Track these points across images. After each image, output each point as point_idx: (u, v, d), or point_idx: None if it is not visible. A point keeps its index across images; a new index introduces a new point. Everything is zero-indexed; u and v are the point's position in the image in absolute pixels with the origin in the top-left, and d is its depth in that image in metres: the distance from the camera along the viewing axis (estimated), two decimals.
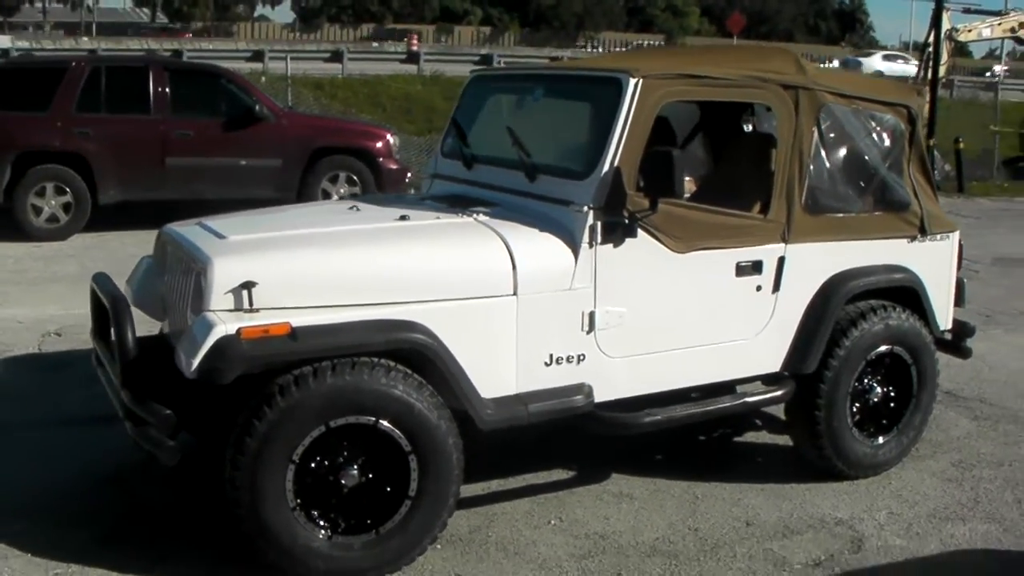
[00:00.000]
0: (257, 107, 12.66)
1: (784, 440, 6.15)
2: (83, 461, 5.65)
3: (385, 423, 4.25)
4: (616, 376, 4.92)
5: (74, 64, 12.50)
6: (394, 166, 13.44)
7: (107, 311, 4.90)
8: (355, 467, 4.32)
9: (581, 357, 4.81)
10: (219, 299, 4.20)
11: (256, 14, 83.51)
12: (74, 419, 6.25)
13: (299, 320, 4.16)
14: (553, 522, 5.11)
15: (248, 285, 4.18)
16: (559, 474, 5.71)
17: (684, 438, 6.15)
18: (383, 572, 4.41)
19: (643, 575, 4.66)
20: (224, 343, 4.02)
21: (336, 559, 4.29)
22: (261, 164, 12.74)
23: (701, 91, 5.15)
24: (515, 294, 4.62)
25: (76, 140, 12.00)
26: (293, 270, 4.34)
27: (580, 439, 5.63)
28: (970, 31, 22.00)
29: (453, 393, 4.43)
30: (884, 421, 5.86)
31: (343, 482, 4.30)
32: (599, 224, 4.72)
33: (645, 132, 4.80)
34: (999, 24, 22.54)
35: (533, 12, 79.08)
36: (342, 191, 13.15)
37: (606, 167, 4.72)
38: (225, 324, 4.06)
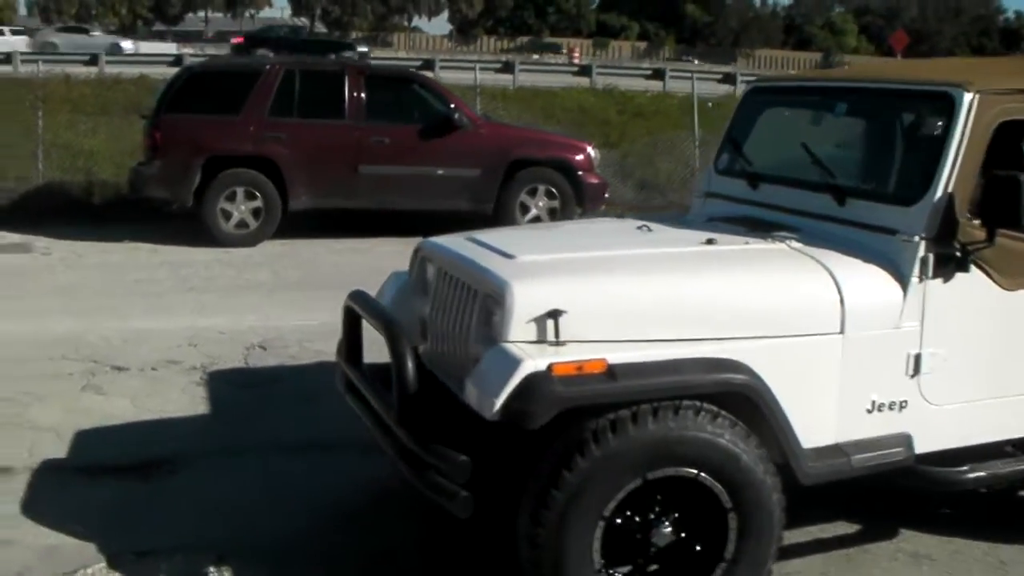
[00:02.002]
0: (456, 115, 12.33)
1: None
2: (308, 493, 5.33)
3: (707, 476, 3.77)
4: (937, 425, 4.38)
5: (268, 68, 12.34)
6: (595, 180, 13.00)
7: (358, 332, 4.64)
8: (667, 525, 3.85)
9: (903, 404, 4.28)
10: (519, 329, 3.77)
11: (412, 25, 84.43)
12: (292, 444, 5.96)
13: (612, 356, 3.70)
14: None
15: (555, 314, 3.74)
16: (843, 527, 5.16)
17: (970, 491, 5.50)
18: None
19: None
20: (534, 381, 3.58)
21: None
22: (458, 174, 12.42)
23: None
24: (842, 332, 4.11)
25: (268, 144, 11.83)
26: (604, 298, 3.90)
27: (854, 485, 5.07)
28: None
29: (775, 443, 3.94)
30: None
31: (653, 541, 3.84)
32: (931, 256, 4.17)
33: (979, 154, 4.25)
34: None
35: (689, 28, 78.18)
36: (541, 204, 12.76)
37: (938, 193, 4.18)
38: (534, 359, 3.62)
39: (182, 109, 11.90)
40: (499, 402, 3.57)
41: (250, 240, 11.86)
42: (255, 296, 9.59)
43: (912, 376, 4.28)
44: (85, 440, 5.97)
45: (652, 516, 3.83)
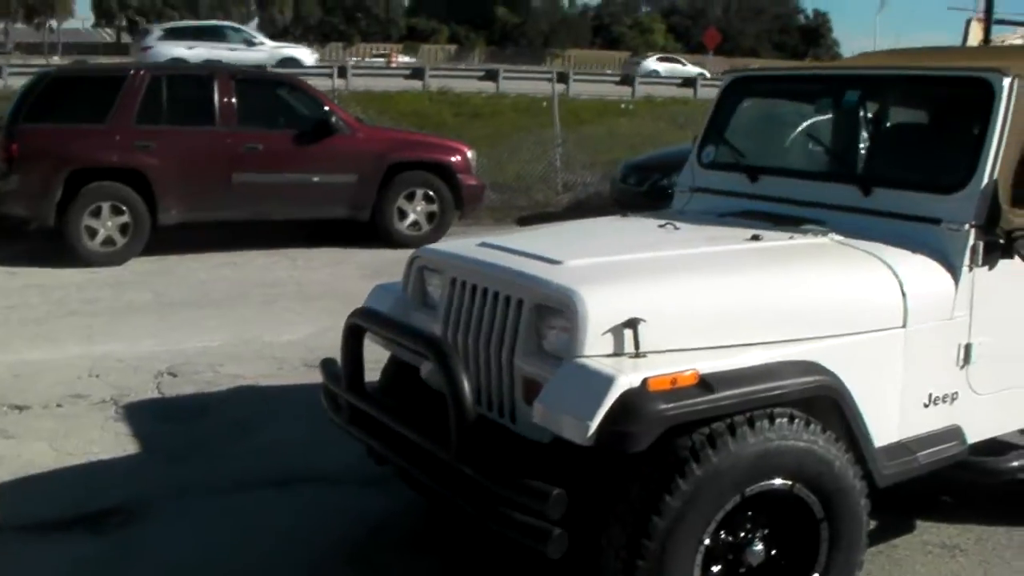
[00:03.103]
0: (332, 119, 11.83)
1: None
2: (292, 534, 4.83)
3: (801, 487, 3.53)
4: (982, 415, 4.29)
5: (133, 73, 11.47)
6: (473, 182, 12.69)
7: (361, 355, 4.21)
8: (758, 542, 3.59)
9: (955, 396, 4.17)
10: (594, 341, 3.44)
11: None
12: (252, 481, 5.42)
13: (699, 365, 3.42)
14: None
15: (633, 323, 3.43)
16: None
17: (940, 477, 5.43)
18: None
19: None
20: (632, 399, 3.25)
21: None
22: (335, 180, 11.89)
23: None
24: (904, 326, 3.95)
25: (136, 155, 11.00)
26: (680, 303, 3.62)
27: None
28: (1003, 41, 21.74)
29: (855, 446, 3.73)
30: None
31: (748, 561, 3.58)
32: (980, 244, 4.05)
33: (1019, 140, 4.14)
34: None
35: (499, 30, 78.59)
36: (419, 209, 12.41)
37: (984, 180, 4.06)
38: (627, 374, 3.30)
39: (41, 118, 10.98)
40: (594, 425, 3.22)
41: (117, 258, 11.01)
42: (143, 318, 8.90)
43: (962, 367, 4.17)
44: (11, 494, 5.30)
45: (743, 534, 3.56)
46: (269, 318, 8.86)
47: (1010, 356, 4.31)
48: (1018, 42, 21.99)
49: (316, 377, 6.94)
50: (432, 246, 4.47)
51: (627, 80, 31.79)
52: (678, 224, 4.48)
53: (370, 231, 12.32)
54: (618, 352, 3.45)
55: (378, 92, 25.67)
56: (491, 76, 29.24)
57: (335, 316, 8.67)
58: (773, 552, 3.63)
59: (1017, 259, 4.19)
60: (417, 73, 28.88)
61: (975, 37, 20.51)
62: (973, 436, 4.26)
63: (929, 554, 4.73)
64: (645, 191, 13.53)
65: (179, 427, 6.29)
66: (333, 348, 7.65)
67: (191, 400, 6.79)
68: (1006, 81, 4.13)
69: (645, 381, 3.28)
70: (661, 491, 3.31)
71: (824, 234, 4.25)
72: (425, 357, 4.02)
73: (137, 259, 11.22)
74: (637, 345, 3.43)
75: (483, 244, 4.25)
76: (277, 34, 66.22)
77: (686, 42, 76.05)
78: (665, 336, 3.49)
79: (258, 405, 6.69)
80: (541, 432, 3.59)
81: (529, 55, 71.88)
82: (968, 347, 4.15)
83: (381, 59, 48.30)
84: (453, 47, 75.85)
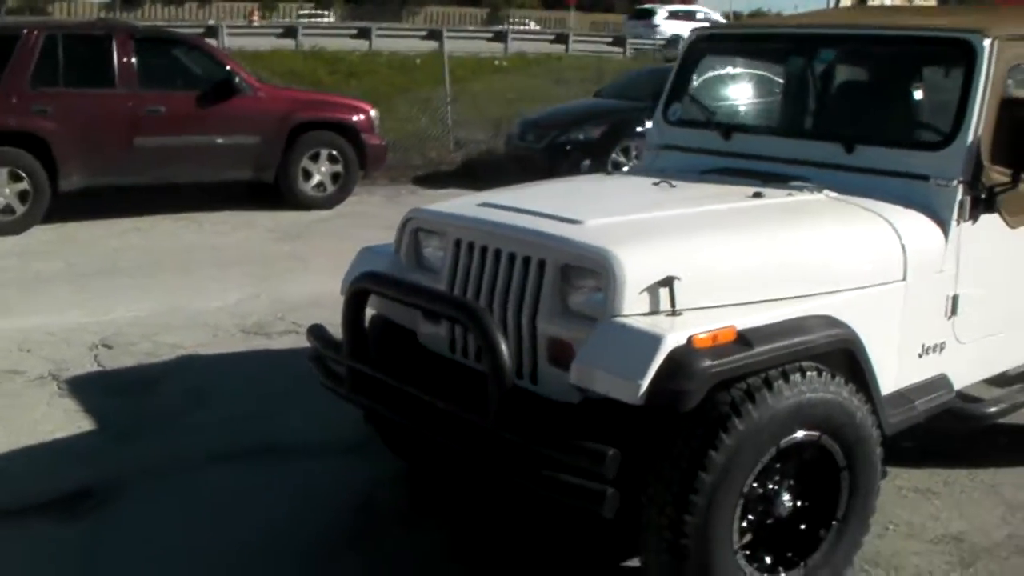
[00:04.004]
0: (235, 79, 11.54)
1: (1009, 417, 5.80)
2: (277, 510, 4.75)
3: (827, 437, 3.66)
4: (964, 363, 4.51)
5: (26, 32, 10.90)
6: (377, 142, 12.54)
7: (363, 321, 4.14)
8: (787, 492, 3.70)
9: (942, 346, 4.37)
10: (632, 301, 3.48)
11: None
12: (221, 455, 5.31)
13: (736, 322, 3.50)
14: (891, 528, 4.64)
15: (669, 281, 3.49)
16: None
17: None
18: None
19: None
20: (682, 357, 3.30)
21: None
22: (239, 142, 11.62)
23: None
24: (904, 279, 4.11)
25: (33, 119, 10.52)
26: (710, 260, 3.68)
27: None
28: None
29: (868, 396, 3.87)
30: None
31: (777, 512, 3.69)
32: (967, 200, 4.24)
33: (998, 98, 4.33)
34: None
35: None
36: (324, 169, 12.25)
37: (970, 137, 4.24)
38: (674, 332, 3.35)
39: None
40: (645, 383, 3.26)
41: (18, 227, 10.54)
42: (59, 288, 8.57)
43: (949, 318, 4.35)
44: None
45: (774, 486, 3.67)
46: (191, 285, 8.66)
47: (988, 306, 4.53)
48: (888, 1, 22.68)
49: (255, 344, 6.98)
50: (429, 207, 4.41)
51: (500, 36, 31.71)
52: (672, 182, 4.53)
53: (275, 192, 12.10)
54: (655, 311, 3.50)
55: (250, 52, 25.11)
56: (364, 34, 28.86)
57: (258, 281, 8.69)
58: (799, 502, 3.74)
59: (995, 214, 4.38)
60: (289, 32, 28.30)
61: None
62: (958, 383, 4.47)
63: (905, 498, 4.95)
64: (543, 148, 13.62)
65: (129, 401, 6.11)
66: (266, 313, 7.67)
67: (135, 372, 6.61)
68: (987, 42, 4.30)
69: (690, 339, 3.33)
70: (706, 447, 3.37)
71: (818, 191, 4.37)
72: (435, 319, 4.00)
73: (39, 227, 10.80)
74: (673, 303, 3.49)
75: (485, 204, 4.23)
76: None
77: None
78: (698, 293, 3.55)
79: (205, 375, 6.55)
80: (569, 393, 3.61)
81: (386, 12, 70.94)
82: (955, 299, 4.34)
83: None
84: (311, 4, 74.34)
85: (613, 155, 12.62)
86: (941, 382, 4.35)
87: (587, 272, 3.60)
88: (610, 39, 34.59)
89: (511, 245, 3.84)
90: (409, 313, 4.30)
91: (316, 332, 4.53)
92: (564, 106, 15.72)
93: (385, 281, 4.14)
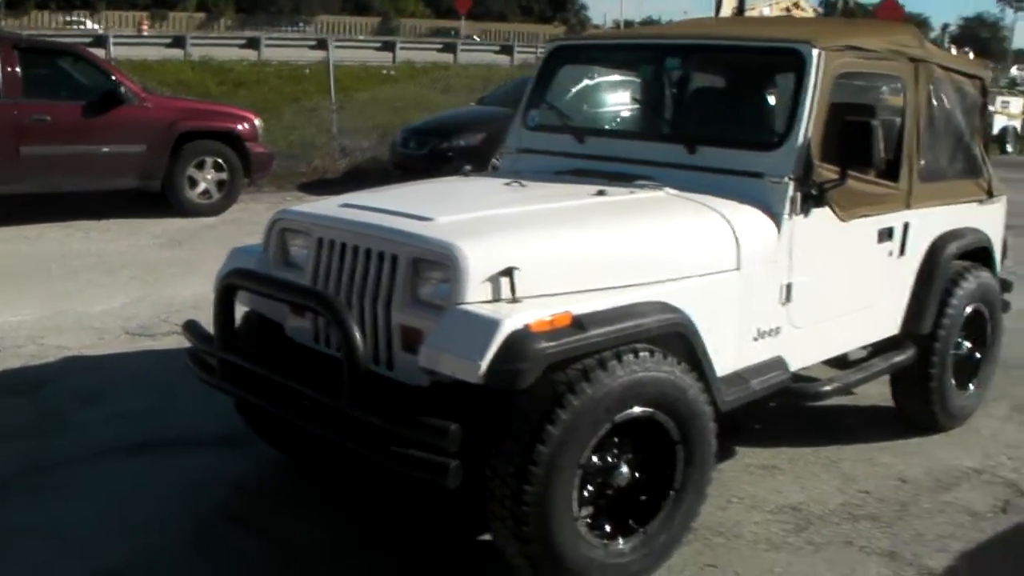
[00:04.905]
0: (121, 89, 11.57)
1: (850, 400, 6.36)
2: (174, 500, 4.88)
3: (661, 413, 3.96)
4: (800, 346, 4.85)
5: None
6: (262, 150, 12.70)
7: (232, 314, 4.39)
8: (624, 465, 4.00)
9: (777, 330, 4.70)
10: (475, 290, 3.75)
11: None
12: (118, 449, 5.42)
13: (572, 308, 3.78)
14: (735, 500, 4.97)
15: (509, 271, 3.76)
16: None
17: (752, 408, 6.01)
18: (648, 574, 4.13)
19: (869, 540, 4.64)
20: (517, 339, 3.57)
21: (610, 568, 3.96)
22: (125, 150, 11.63)
23: (859, 63, 5.04)
24: (738, 268, 4.43)
25: None
26: (549, 252, 3.95)
27: None
28: (752, 9, 23.00)
29: (702, 376, 4.18)
30: (968, 374, 6.04)
31: (615, 483, 3.98)
32: (798, 195, 4.59)
33: (826, 102, 4.70)
34: (776, 3, 23.74)
35: None
36: (209, 177, 12.35)
37: (800, 138, 4.59)
38: (511, 317, 3.63)
39: None
40: (484, 364, 3.53)
41: None
42: None
43: (784, 304, 4.69)
44: None
45: (611, 459, 3.96)
46: (77, 290, 8.70)
47: (822, 294, 4.88)
48: (766, 12, 23.39)
49: (140, 345, 7.08)
50: (295, 208, 4.65)
51: (388, 46, 31.82)
52: (523, 182, 4.81)
53: (162, 200, 12.16)
54: (496, 299, 3.77)
55: (138, 61, 24.91)
56: (252, 44, 28.81)
57: (144, 285, 8.79)
58: (637, 473, 4.03)
59: (826, 208, 4.75)
60: (178, 41, 28.10)
61: (728, 7, 21.64)
62: (793, 365, 4.82)
63: (752, 474, 5.30)
64: (425, 155, 13.85)
65: (19, 401, 6.14)
66: (151, 316, 7.78)
67: (23, 373, 6.65)
68: (815, 52, 4.68)
69: (527, 323, 3.61)
70: (543, 422, 3.65)
71: (659, 189, 4.68)
72: (304, 311, 4.24)
73: None
74: (514, 292, 3.76)
75: (346, 205, 4.47)
76: (15, 1, 62.77)
77: (436, 6, 76.19)
78: (537, 283, 3.83)
79: (93, 375, 6.63)
80: (419, 376, 3.87)
81: (280, 22, 70.54)
82: (789, 287, 4.68)
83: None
84: (203, 15, 73.52)
85: (494, 160, 12.85)
86: (777, 363, 4.68)
87: (435, 265, 3.86)
88: (497, 48, 34.92)
89: (368, 242, 4.09)
90: (277, 308, 4.53)
91: (191, 328, 4.74)
92: (446, 113, 15.97)
93: (250, 276, 4.37)
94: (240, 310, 4.59)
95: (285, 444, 5.06)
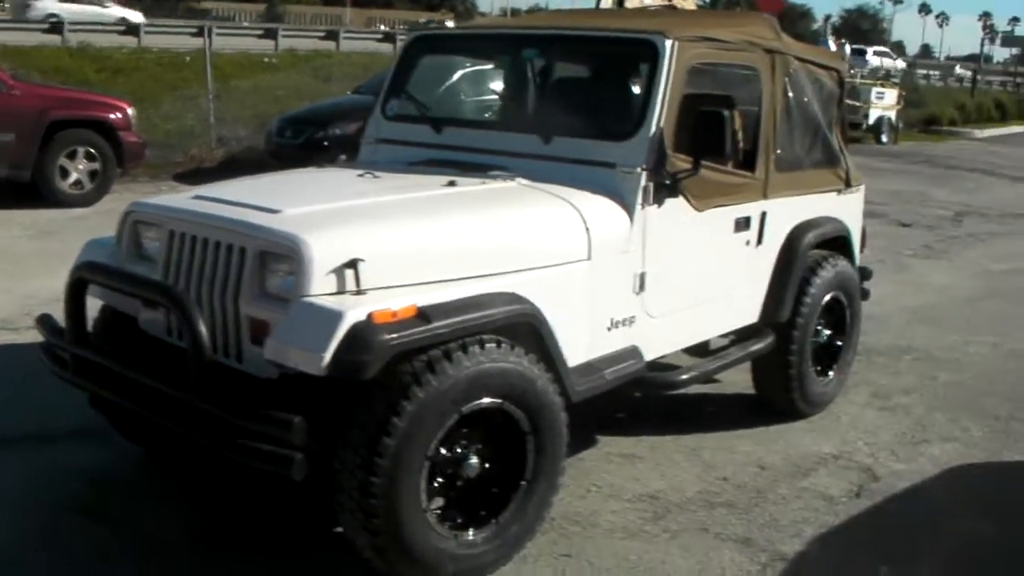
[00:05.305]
0: None
1: (715, 388, 6.46)
2: (6, 494, 4.73)
3: (510, 404, 3.95)
4: (655, 335, 4.89)
5: None
6: (135, 139, 12.42)
7: (84, 307, 4.31)
8: (474, 456, 3.98)
9: (632, 320, 4.73)
10: (319, 282, 3.70)
11: None
12: None
13: (417, 300, 3.75)
14: (593, 490, 4.99)
15: (353, 264, 3.72)
16: None
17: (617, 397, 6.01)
18: (501, 564, 4.13)
19: (725, 527, 4.69)
20: (360, 331, 3.53)
21: (462, 559, 3.95)
22: None
23: (714, 54, 5.08)
24: (589, 259, 4.44)
25: None
26: (395, 244, 3.91)
27: None
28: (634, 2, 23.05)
29: (552, 367, 4.19)
30: (828, 361, 6.16)
31: (465, 474, 3.96)
32: (651, 185, 4.61)
33: (679, 93, 4.73)
34: None
35: None
36: (81, 167, 12.04)
37: (652, 128, 4.62)
38: (354, 309, 3.59)
39: None
40: (327, 356, 3.49)
41: None
42: None
43: (638, 294, 4.72)
44: None
45: (460, 450, 3.94)
46: None
47: (675, 283, 4.92)
48: (648, 3, 23.54)
49: (1, 339, 6.84)
50: (147, 200, 4.55)
51: (270, 33, 31.27)
52: (376, 173, 4.77)
53: (32, 191, 11.82)
54: (341, 291, 3.72)
55: (12, 47, 24.17)
56: (133, 31, 28.15)
57: (8, 278, 8.53)
58: (487, 464, 4.03)
59: (681, 198, 4.79)
60: (55, 27, 27.28)
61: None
62: (649, 354, 4.85)
63: (612, 463, 5.33)
64: (301, 144, 13.70)
65: None
66: (15, 309, 7.55)
67: None
68: (668, 43, 4.71)
69: (370, 315, 3.57)
70: (389, 413, 3.62)
71: (512, 179, 4.67)
72: (151, 305, 4.14)
73: None
74: (359, 283, 3.72)
75: (198, 197, 4.38)
76: None
77: None
78: (383, 274, 3.79)
79: None
80: (268, 369, 3.82)
81: (166, 9, 69.13)
82: (642, 276, 4.71)
83: None
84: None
85: None
86: (631, 353, 4.71)
87: (281, 257, 3.80)
88: (380, 36, 34.63)
89: (217, 234, 4.02)
90: (130, 302, 4.43)
91: (44, 321, 4.62)
92: (322, 103, 15.79)
93: (100, 270, 4.28)
94: (99, 303, 4.49)
95: (141, 437, 4.95)
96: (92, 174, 12.18)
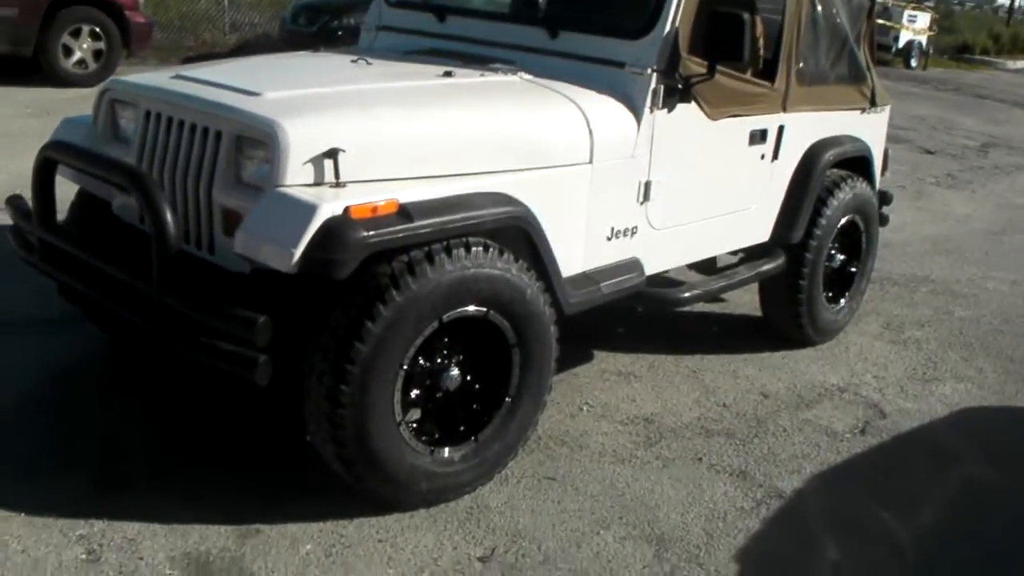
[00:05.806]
0: None
1: (721, 308, 6.21)
2: None
3: (495, 313, 3.68)
4: (658, 249, 4.60)
5: None
6: (141, 20, 12.08)
7: (52, 189, 4.02)
8: (455, 367, 3.72)
9: (634, 230, 4.44)
10: (295, 172, 3.40)
11: None
12: None
13: (400, 195, 3.45)
14: (585, 409, 4.74)
15: (333, 153, 3.41)
16: None
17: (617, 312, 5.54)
18: (480, 484, 3.90)
19: (720, 457, 4.44)
20: (335, 226, 3.23)
21: (438, 476, 3.71)
22: None
23: None
24: (591, 162, 4.13)
25: None
26: (380, 134, 3.59)
27: None
28: None
29: (544, 275, 3.91)
30: (840, 287, 5.88)
31: (444, 387, 3.71)
32: (661, 88, 4.28)
33: None
34: None
35: None
36: (85, 46, 11.69)
37: (667, 26, 4.27)
38: (329, 202, 3.30)
39: None
40: (298, 252, 3.20)
41: None
42: None
43: (641, 203, 4.41)
44: None
45: (440, 360, 3.68)
46: None
47: (683, 195, 4.61)
48: None
49: None
50: (124, 78, 4.23)
51: None
52: (370, 60, 4.45)
53: (35, 68, 11.49)
54: (319, 182, 3.42)
55: None
56: None
57: (4, 156, 8.20)
58: (469, 377, 3.77)
59: (693, 104, 4.46)
60: None
61: None
62: (650, 268, 4.56)
63: (607, 380, 5.07)
64: (315, 32, 13.33)
65: None
66: (6, 188, 7.24)
67: None
68: None
69: (347, 209, 3.28)
70: (363, 317, 3.35)
71: (513, 73, 4.34)
72: (122, 189, 3.86)
73: None
74: (337, 175, 3.42)
75: (178, 76, 4.06)
76: None
77: None
78: (365, 166, 3.49)
79: None
80: (240, 263, 3.54)
81: None
82: (647, 185, 4.40)
83: None
84: None
85: None
86: (632, 265, 4.42)
87: (258, 143, 3.49)
88: None
89: (193, 116, 3.71)
90: (106, 186, 4.14)
91: (13, 202, 4.35)
92: None
93: (68, 150, 3.98)
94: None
95: (111, 328, 4.71)
96: (97, 54, 11.85)
